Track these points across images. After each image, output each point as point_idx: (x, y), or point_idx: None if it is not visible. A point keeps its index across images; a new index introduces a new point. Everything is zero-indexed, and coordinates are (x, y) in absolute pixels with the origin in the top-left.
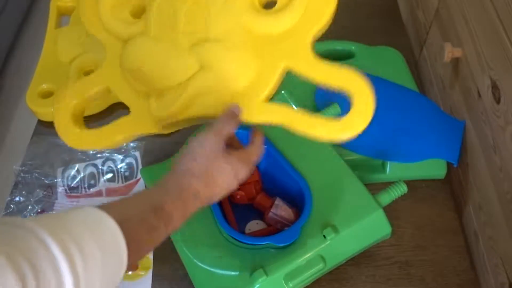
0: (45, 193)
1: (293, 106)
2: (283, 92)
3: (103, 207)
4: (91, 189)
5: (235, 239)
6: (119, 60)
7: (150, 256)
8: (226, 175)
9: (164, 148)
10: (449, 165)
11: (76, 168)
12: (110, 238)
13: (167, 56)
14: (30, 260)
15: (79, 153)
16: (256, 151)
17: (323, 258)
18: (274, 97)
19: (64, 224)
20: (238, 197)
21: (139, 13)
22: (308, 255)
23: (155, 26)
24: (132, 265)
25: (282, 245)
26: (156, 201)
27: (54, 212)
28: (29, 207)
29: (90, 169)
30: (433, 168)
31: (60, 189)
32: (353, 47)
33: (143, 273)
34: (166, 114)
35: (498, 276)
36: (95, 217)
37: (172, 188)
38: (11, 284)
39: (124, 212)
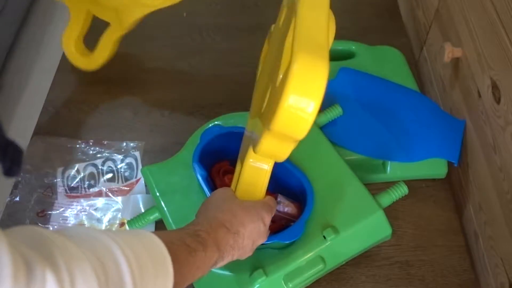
0: (45, 193)
1: None
2: None
3: (153, 232)
4: (91, 189)
5: None
6: None
7: None
8: (251, 214)
9: (164, 148)
10: (449, 165)
11: (76, 168)
12: (159, 256)
13: None
14: (103, 266)
15: (79, 153)
16: (271, 198)
17: (323, 259)
18: None
19: (126, 239)
20: None
21: None
22: (308, 255)
23: None
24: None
25: (289, 241)
26: (190, 230)
27: (54, 211)
28: (29, 207)
29: (90, 169)
30: (434, 167)
31: (60, 189)
32: (353, 47)
33: None
34: None
35: (498, 276)
36: (148, 236)
37: (201, 221)
38: (90, 274)
39: (167, 237)
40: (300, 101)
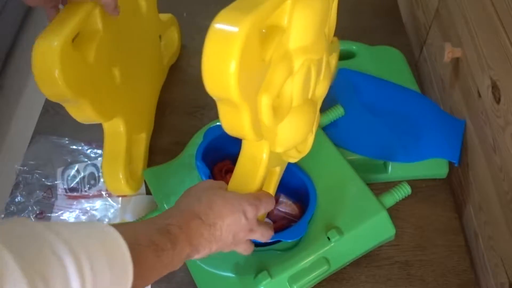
0: (45, 194)
1: None
2: None
3: (116, 226)
4: (91, 189)
5: None
6: None
7: None
8: (231, 205)
9: (164, 148)
10: (449, 165)
11: (76, 168)
12: (119, 260)
13: None
14: (44, 275)
15: (79, 154)
16: (264, 193)
17: (327, 260)
18: None
19: (82, 240)
20: None
21: None
22: (313, 257)
23: None
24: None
25: (291, 240)
26: (161, 224)
27: (53, 214)
28: (29, 208)
29: (90, 169)
30: (435, 167)
31: (60, 191)
32: (354, 47)
33: None
34: None
35: (498, 276)
36: (109, 237)
37: (174, 212)
38: None
39: (133, 235)
40: (213, 60)
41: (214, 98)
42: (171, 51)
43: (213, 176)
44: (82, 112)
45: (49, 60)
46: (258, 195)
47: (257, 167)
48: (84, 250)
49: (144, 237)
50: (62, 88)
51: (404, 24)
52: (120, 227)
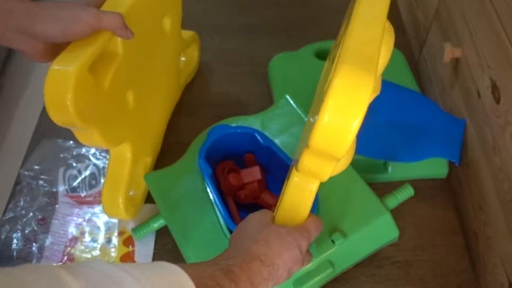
0: (48, 200)
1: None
2: (287, 96)
3: (182, 266)
4: (92, 190)
5: None
6: None
7: None
8: (288, 242)
9: (165, 148)
10: (449, 165)
11: (77, 169)
12: None
13: None
14: None
15: (86, 160)
16: (312, 220)
17: (331, 263)
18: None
19: (155, 281)
20: (242, 196)
21: None
22: (317, 260)
23: None
24: None
25: None
26: (223, 265)
27: (54, 220)
28: (30, 214)
29: (91, 169)
30: (435, 167)
31: (61, 193)
32: None
33: None
34: None
35: (497, 276)
36: (176, 275)
37: (235, 254)
38: None
39: (199, 276)
40: (338, 118)
41: (312, 147)
42: (189, 69)
43: (215, 175)
44: (90, 139)
45: (63, 86)
46: (308, 225)
47: (307, 198)
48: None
49: (209, 278)
50: (72, 116)
51: (404, 24)
52: (186, 266)
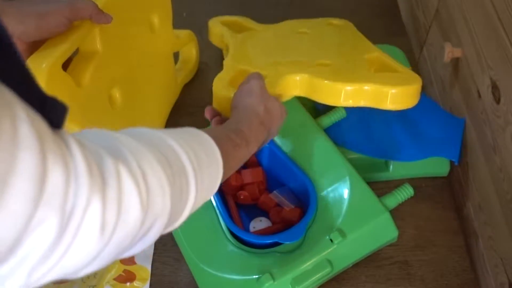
0: None
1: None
2: None
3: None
4: None
5: (242, 240)
6: None
7: (148, 267)
8: (277, 107)
9: None
10: (450, 163)
11: None
12: (210, 148)
13: None
14: (167, 159)
15: None
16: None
17: (330, 262)
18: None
19: (180, 135)
20: (241, 197)
21: None
22: (315, 259)
23: None
24: (130, 276)
25: (288, 242)
26: (234, 127)
27: None
28: None
29: None
30: (436, 165)
31: None
32: None
33: (139, 285)
34: None
35: (498, 276)
36: (197, 132)
37: (241, 117)
38: (157, 167)
39: (213, 133)
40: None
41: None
42: (188, 68)
43: None
44: None
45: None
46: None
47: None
48: (184, 141)
49: (223, 135)
50: None
51: (404, 24)
52: (203, 131)
